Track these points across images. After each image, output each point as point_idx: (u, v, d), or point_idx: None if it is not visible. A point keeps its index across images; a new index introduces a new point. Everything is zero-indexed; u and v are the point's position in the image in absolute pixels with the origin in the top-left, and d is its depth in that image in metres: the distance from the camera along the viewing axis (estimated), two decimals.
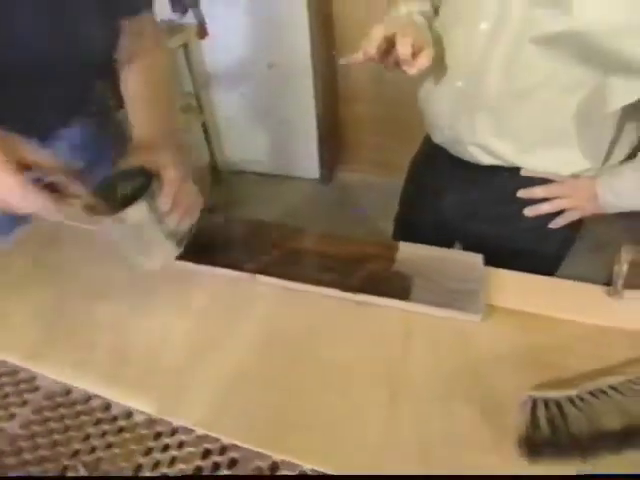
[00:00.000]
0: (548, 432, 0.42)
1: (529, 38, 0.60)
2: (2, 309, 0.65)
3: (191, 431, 0.49)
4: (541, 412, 0.43)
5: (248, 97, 2.33)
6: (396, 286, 0.62)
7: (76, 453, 0.49)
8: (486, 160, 0.76)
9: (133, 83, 0.75)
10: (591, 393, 0.44)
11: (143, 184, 0.55)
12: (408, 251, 0.67)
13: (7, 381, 0.57)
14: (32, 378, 0.57)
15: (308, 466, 0.45)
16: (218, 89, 2.33)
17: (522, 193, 0.76)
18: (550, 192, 0.75)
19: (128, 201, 0.53)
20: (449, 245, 0.85)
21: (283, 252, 0.70)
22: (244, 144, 2.51)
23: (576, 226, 0.80)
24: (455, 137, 0.77)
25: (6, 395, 0.55)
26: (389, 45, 0.65)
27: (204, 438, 0.49)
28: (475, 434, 0.46)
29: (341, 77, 2.22)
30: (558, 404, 0.43)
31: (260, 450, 0.47)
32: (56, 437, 0.50)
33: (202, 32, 2.13)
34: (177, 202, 0.57)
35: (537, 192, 0.75)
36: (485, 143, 0.73)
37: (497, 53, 0.64)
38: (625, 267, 0.59)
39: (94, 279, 0.69)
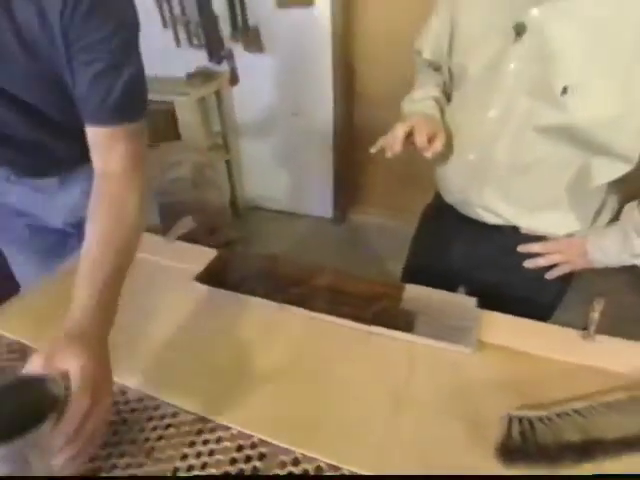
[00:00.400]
0: (519, 442, 0.52)
1: (531, 127, 0.74)
2: None
3: (228, 428, 0.60)
4: (515, 427, 0.53)
5: (271, 140, 2.51)
6: (402, 321, 0.73)
7: (134, 441, 0.59)
8: (491, 220, 0.88)
9: (90, 235, 0.63)
10: (558, 414, 0.54)
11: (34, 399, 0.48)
12: (413, 292, 0.79)
13: None
14: None
15: (325, 460, 0.55)
16: (244, 131, 2.52)
17: (522, 248, 0.87)
18: (546, 248, 0.85)
19: (9, 423, 0.45)
20: (453, 290, 0.94)
21: (306, 287, 0.82)
22: (263, 182, 2.67)
23: (568, 279, 0.90)
24: (464, 200, 0.90)
25: None
26: (409, 134, 0.79)
27: (239, 435, 0.59)
28: (462, 441, 0.56)
29: (357, 129, 2.39)
30: (530, 421, 0.53)
31: (285, 446, 0.57)
32: (118, 427, 0.61)
33: (234, 79, 2.34)
34: (73, 438, 0.48)
35: (535, 247, 0.86)
36: (491, 206, 0.85)
37: (504, 135, 0.77)
38: (597, 316, 0.70)
39: (146, 303, 0.81)
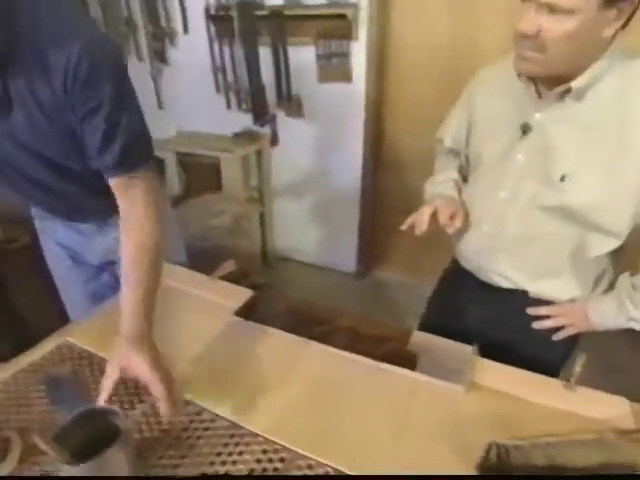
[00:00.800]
0: (495, 463, 0.62)
1: (535, 206, 0.88)
2: None
3: (256, 435, 0.72)
4: (493, 451, 0.64)
5: (302, 196, 2.71)
6: (407, 360, 0.85)
7: (177, 438, 0.72)
8: (503, 284, 0.99)
9: (124, 262, 0.80)
10: (532, 445, 0.65)
11: (102, 427, 0.62)
12: (418, 337, 0.92)
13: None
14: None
15: (334, 466, 0.67)
16: (278, 187, 2.74)
17: (531, 310, 0.97)
18: (552, 311, 0.96)
19: (84, 447, 0.59)
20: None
21: (328, 326, 0.95)
22: (293, 235, 2.86)
23: (575, 340, 1.00)
24: (479, 265, 1.02)
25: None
26: (433, 214, 0.96)
27: (264, 441, 0.72)
28: (450, 461, 0.67)
29: (382, 191, 2.58)
30: (506, 448, 0.64)
31: (303, 453, 0.69)
32: (164, 427, 0.74)
33: (274, 141, 2.59)
34: (168, 394, 0.69)
35: (542, 310, 0.96)
36: (502, 272, 0.97)
37: (512, 213, 0.91)
38: (578, 369, 0.81)
39: (192, 329, 0.96)
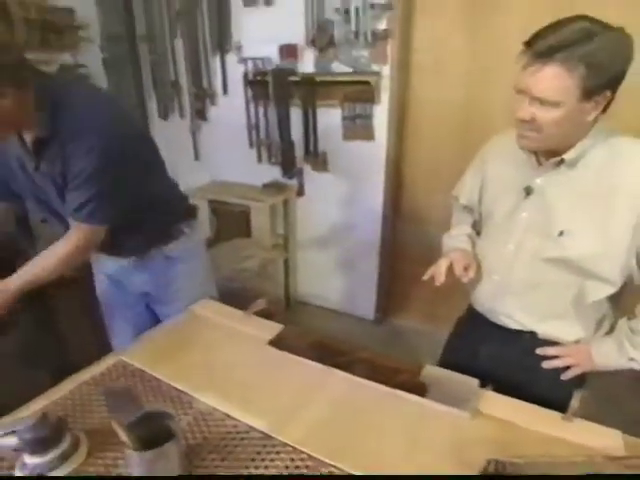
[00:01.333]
0: (492, 475, 0.72)
1: (538, 258, 1.00)
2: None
3: (286, 445, 0.83)
4: (492, 465, 0.73)
5: (325, 245, 2.87)
6: (419, 389, 0.96)
7: (217, 445, 0.84)
8: (513, 325, 1.09)
9: (34, 262, 1.15)
10: (527, 463, 0.74)
11: (166, 426, 0.75)
12: (430, 370, 1.03)
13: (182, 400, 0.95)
14: (191, 400, 0.95)
15: (353, 472, 0.77)
16: (302, 235, 2.91)
17: (540, 351, 1.06)
18: (559, 352, 1.05)
19: (146, 440, 0.72)
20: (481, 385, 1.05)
21: (349, 357, 1.07)
22: (314, 281, 2.99)
23: (582, 379, 1.07)
24: (491, 309, 1.13)
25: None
26: (450, 266, 1.10)
27: (293, 451, 0.82)
28: (454, 473, 0.76)
29: (401, 243, 2.72)
30: (503, 463, 0.74)
31: (326, 461, 0.80)
32: (206, 435, 0.86)
33: (300, 192, 2.79)
34: None
35: (550, 351, 1.05)
36: (512, 314, 1.08)
37: (518, 263, 1.03)
38: (576, 404, 0.91)
39: (230, 355, 1.10)
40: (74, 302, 1.97)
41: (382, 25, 2.19)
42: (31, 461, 0.79)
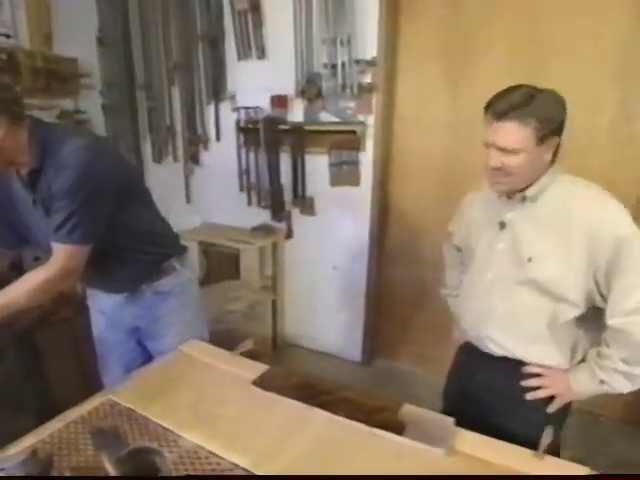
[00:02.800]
0: None
1: (513, 282, 1.12)
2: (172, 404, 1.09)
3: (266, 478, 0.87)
4: None
5: (312, 287, 2.92)
6: (397, 427, 1.00)
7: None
8: (498, 351, 1.17)
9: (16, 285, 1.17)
10: None
11: (153, 462, 0.80)
12: (408, 409, 1.07)
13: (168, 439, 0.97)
14: (177, 438, 0.97)
15: None
16: (290, 277, 2.97)
17: (523, 383, 1.15)
18: (541, 382, 1.14)
19: (139, 472, 0.77)
20: (477, 408, 1.19)
21: (333, 396, 1.11)
22: (302, 323, 3.02)
23: (566, 410, 1.16)
24: (477, 336, 1.22)
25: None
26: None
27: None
28: None
29: (386, 285, 2.79)
30: None
31: None
32: (189, 473, 0.89)
33: (289, 235, 2.87)
34: None
35: (532, 382, 1.14)
36: (494, 338, 1.17)
37: (497, 289, 1.15)
38: (546, 442, 0.95)
39: (216, 393, 1.13)
40: (62, 341, 1.99)
41: (367, 79, 2.35)
42: None
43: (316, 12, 2.34)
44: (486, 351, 1.21)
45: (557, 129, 1.03)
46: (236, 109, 2.74)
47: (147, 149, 3.24)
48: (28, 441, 0.98)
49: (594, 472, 0.91)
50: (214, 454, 0.94)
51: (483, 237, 1.21)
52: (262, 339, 2.62)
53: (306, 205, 2.76)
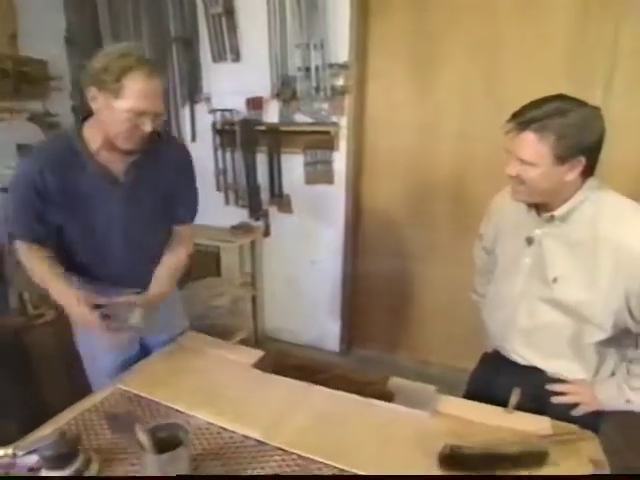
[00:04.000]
0: (449, 452, 0.89)
1: (538, 298, 1.12)
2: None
3: (278, 449, 0.97)
4: (448, 447, 0.90)
5: (290, 282, 3.02)
6: (387, 397, 1.13)
7: (217, 453, 0.96)
8: (522, 362, 1.18)
9: (162, 263, 1.34)
10: (475, 442, 0.92)
11: (176, 436, 0.88)
12: (395, 381, 1.20)
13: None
14: (188, 418, 1.06)
15: (338, 466, 0.92)
16: (269, 273, 3.06)
17: (549, 387, 1.14)
18: (566, 389, 1.13)
19: (165, 445, 0.84)
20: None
21: (327, 374, 1.23)
22: (282, 317, 3.12)
23: (597, 419, 1.12)
24: (502, 346, 1.23)
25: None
26: None
27: (284, 453, 0.96)
28: (420, 459, 0.93)
29: (361, 277, 2.92)
30: (457, 445, 0.91)
31: (314, 458, 0.94)
32: (205, 445, 0.98)
33: (267, 233, 2.95)
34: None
35: (557, 387, 1.14)
36: (518, 351, 1.18)
37: (523, 302, 1.15)
38: (514, 400, 1.10)
39: (216, 377, 1.22)
40: (47, 343, 2.01)
41: (340, 82, 2.47)
42: (49, 475, 0.88)
43: (290, 17, 2.44)
44: (511, 359, 1.22)
45: (584, 150, 0.98)
46: (212, 111, 2.80)
47: None
48: (46, 430, 1.04)
49: (554, 420, 1.06)
50: (225, 429, 1.03)
51: (508, 246, 1.21)
52: (245, 333, 2.70)
53: (283, 203, 2.85)
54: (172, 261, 1.35)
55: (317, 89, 2.49)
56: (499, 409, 1.10)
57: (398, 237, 2.72)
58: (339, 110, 2.52)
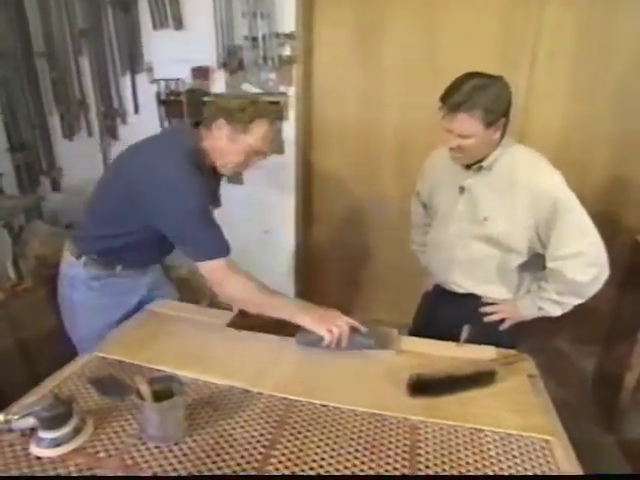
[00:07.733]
0: (415, 380, 1.03)
1: (471, 236, 1.38)
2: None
3: (261, 393, 1.06)
4: (414, 376, 1.04)
5: (244, 253, 3.06)
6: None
7: (208, 402, 1.04)
8: (459, 290, 1.47)
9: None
10: (437, 370, 1.06)
11: (169, 388, 0.93)
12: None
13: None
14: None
15: (317, 402, 1.02)
16: None
17: (481, 309, 1.44)
18: (494, 309, 1.43)
19: (160, 397, 0.91)
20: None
21: (294, 328, 1.32)
22: None
23: (518, 331, 1.45)
24: (444, 280, 1.51)
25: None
26: None
27: (269, 396, 1.05)
28: (390, 388, 1.06)
29: (314, 244, 3.03)
30: (422, 373, 1.05)
31: (297, 399, 1.04)
32: (194, 397, 1.05)
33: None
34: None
35: (487, 308, 1.43)
36: (456, 281, 1.46)
37: (458, 242, 1.41)
38: (465, 335, 1.26)
39: (196, 337, 1.28)
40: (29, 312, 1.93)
41: (287, 52, 2.49)
42: (47, 435, 0.91)
43: None
44: (450, 290, 1.49)
45: (503, 113, 1.23)
46: (155, 81, 2.72)
47: (55, 124, 3.07)
48: (30, 398, 1.06)
49: (498, 348, 1.24)
50: (210, 382, 1.11)
51: (444, 197, 1.45)
52: (205, 303, 2.73)
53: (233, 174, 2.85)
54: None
55: (264, 59, 2.49)
56: (452, 344, 1.26)
57: (347, 204, 2.84)
58: (287, 80, 2.55)
